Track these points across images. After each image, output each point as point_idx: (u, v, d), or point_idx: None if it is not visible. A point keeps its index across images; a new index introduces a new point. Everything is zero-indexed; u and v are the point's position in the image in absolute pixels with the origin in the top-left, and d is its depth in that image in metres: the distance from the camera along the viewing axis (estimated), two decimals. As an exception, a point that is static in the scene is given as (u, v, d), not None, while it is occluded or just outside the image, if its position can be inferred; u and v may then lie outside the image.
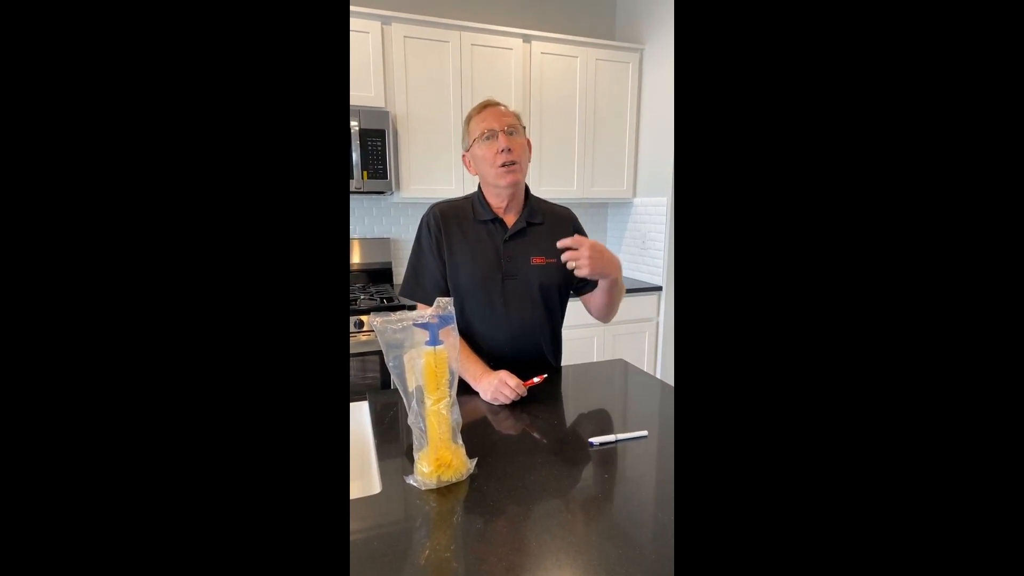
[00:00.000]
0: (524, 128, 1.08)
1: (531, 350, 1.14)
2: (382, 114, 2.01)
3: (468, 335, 1.09)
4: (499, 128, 1.02)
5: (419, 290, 1.11)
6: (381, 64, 2.03)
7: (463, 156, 1.11)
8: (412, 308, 1.32)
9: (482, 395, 0.99)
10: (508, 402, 0.97)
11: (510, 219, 1.11)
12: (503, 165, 1.02)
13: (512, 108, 1.08)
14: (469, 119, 1.07)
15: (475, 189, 1.15)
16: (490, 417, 0.93)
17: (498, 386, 0.96)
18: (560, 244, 0.96)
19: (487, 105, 1.06)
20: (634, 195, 2.60)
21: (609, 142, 2.50)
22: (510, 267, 1.09)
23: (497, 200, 1.10)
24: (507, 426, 0.90)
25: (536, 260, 1.11)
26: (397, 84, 2.06)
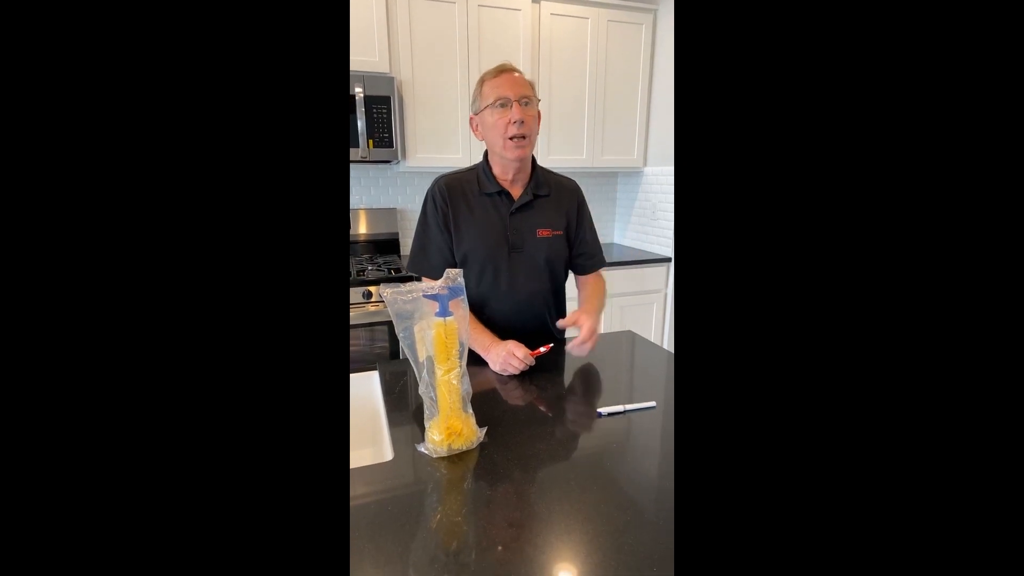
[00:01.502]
0: (538, 100, 1.05)
1: (535, 321, 1.15)
2: (387, 80, 1.95)
3: (474, 306, 1.09)
4: (513, 98, 0.99)
5: (426, 264, 1.10)
6: (385, 27, 1.96)
7: (471, 118, 1.08)
8: (420, 279, 1.32)
9: (491, 365, 1.00)
10: (517, 372, 0.97)
11: (516, 191, 1.10)
12: (512, 138, 1.00)
13: (526, 75, 1.05)
14: (483, 81, 1.03)
15: (481, 158, 1.13)
16: (499, 387, 0.95)
17: (506, 357, 0.97)
18: (563, 324, 1.04)
19: (504, 70, 1.02)
20: (645, 164, 2.55)
21: (620, 109, 2.43)
22: (516, 239, 1.09)
23: (502, 171, 1.08)
24: (516, 396, 0.91)
25: (542, 232, 1.11)
26: (402, 48, 2.00)
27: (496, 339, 1.02)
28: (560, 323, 1.05)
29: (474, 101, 1.06)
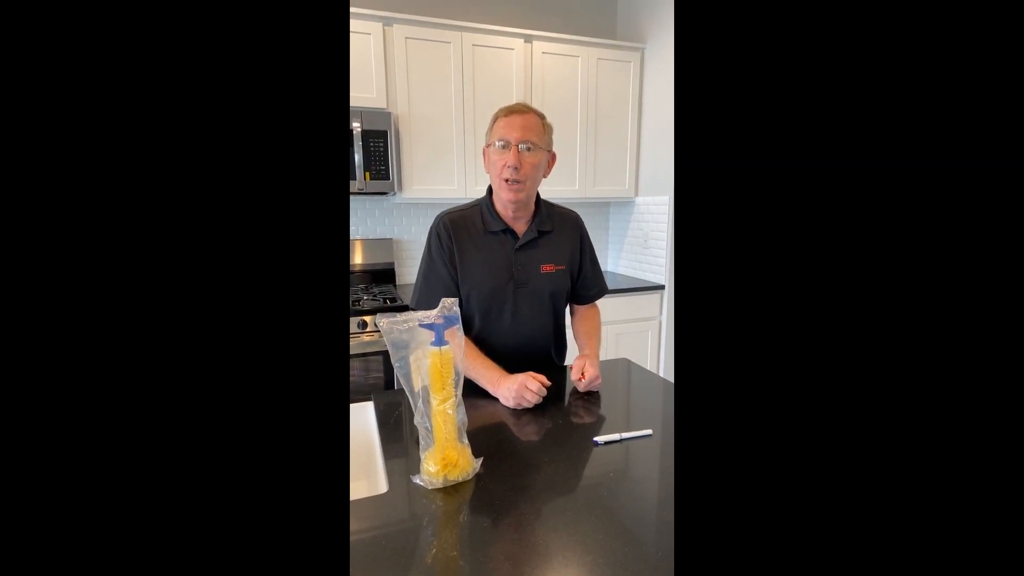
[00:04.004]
0: (548, 142, 1.06)
1: (539, 354, 1.16)
2: (384, 115, 2.01)
3: (478, 341, 1.09)
4: (514, 142, 0.99)
5: (433, 300, 1.08)
6: (383, 65, 2.03)
7: (484, 150, 1.09)
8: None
9: (503, 401, 0.97)
10: (531, 406, 0.94)
11: (520, 228, 1.11)
12: (507, 180, 1.01)
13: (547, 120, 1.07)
14: (496, 117, 1.04)
15: (483, 193, 1.14)
16: (496, 417, 0.94)
17: (519, 389, 0.94)
18: (576, 373, 1.04)
19: (514, 111, 1.02)
20: (636, 194, 2.60)
21: (611, 141, 2.50)
22: (521, 276, 1.09)
23: (503, 208, 1.09)
24: (512, 426, 0.91)
25: (546, 268, 1.12)
26: (399, 85, 2.07)
27: (505, 373, 1.00)
28: (572, 377, 1.05)
29: (487, 132, 1.07)
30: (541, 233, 1.12)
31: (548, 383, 0.96)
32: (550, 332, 1.17)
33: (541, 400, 0.95)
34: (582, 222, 1.20)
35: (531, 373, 0.96)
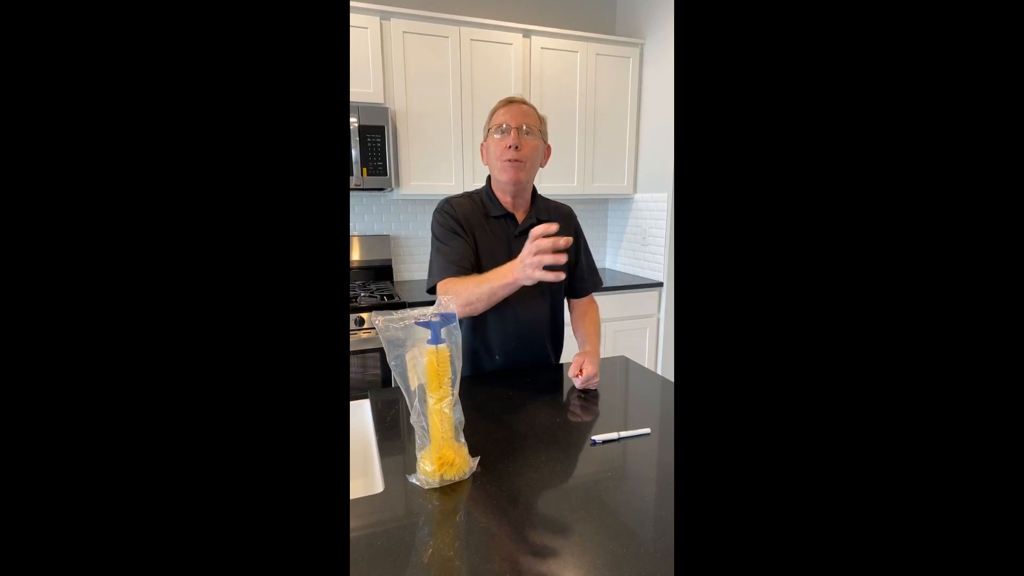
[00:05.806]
0: (544, 133, 1.10)
1: (535, 344, 1.17)
2: (381, 110, 1.99)
3: (478, 325, 1.11)
4: (514, 125, 1.04)
5: (451, 267, 1.03)
6: (380, 60, 2.02)
7: (481, 145, 1.14)
8: (412, 306, 1.33)
9: (526, 279, 0.86)
10: (550, 254, 0.82)
11: (520, 215, 1.15)
12: (508, 160, 1.04)
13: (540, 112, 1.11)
14: (494, 111, 1.09)
15: (478, 185, 1.17)
16: (493, 416, 0.93)
17: (528, 261, 0.83)
18: (574, 369, 1.04)
19: (512, 101, 1.08)
20: (635, 191, 2.59)
21: (609, 138, 2.49)
22: None
23: (503, 194, 1.12)
24: (509, 424, 0.90)
25: None
26: (396, 80, 2.05)
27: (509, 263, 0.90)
28: (570, 373, 1.05)
29: (484, 128, 1.12)
30: (540, 222, 1.12)
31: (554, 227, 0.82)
32: (546, 323, 1.18)
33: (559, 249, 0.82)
34: (575, 215, 1.24)
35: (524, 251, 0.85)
